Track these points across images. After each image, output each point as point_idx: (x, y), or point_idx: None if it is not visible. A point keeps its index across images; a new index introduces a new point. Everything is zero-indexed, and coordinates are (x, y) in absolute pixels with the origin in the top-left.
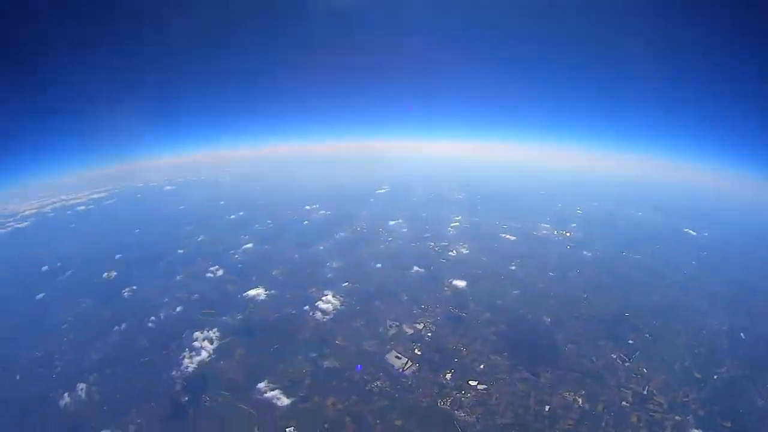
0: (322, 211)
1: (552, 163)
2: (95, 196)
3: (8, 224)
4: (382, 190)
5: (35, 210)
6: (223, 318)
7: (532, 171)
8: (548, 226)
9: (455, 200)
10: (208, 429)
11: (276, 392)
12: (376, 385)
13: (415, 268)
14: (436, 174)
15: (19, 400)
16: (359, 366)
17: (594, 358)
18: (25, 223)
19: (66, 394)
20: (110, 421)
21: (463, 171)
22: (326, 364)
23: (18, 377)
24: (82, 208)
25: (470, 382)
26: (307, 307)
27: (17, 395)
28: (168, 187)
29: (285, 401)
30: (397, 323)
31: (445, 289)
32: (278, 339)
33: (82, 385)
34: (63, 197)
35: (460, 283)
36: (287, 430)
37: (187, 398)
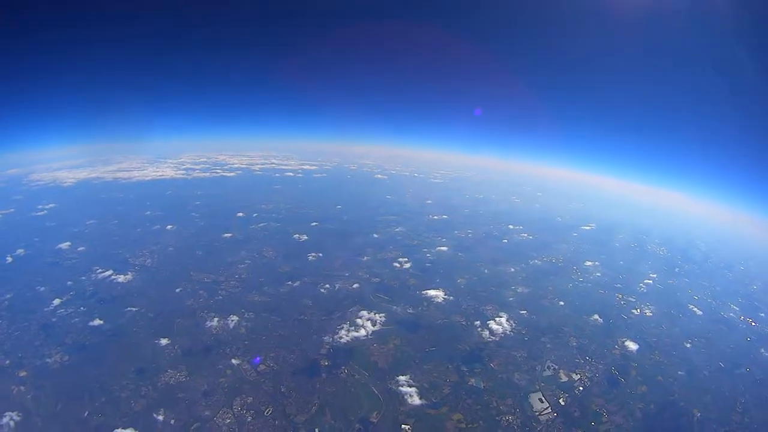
0: (523, 234)
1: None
2: (306, 167)
3: (215, 170)
4: (587, 227)
5: (244, 165)
6: (394, 307)
7: (735, 238)
8: (737, 308)
9: (657, 255)
10: (332, 396)
11: (412, 390)
12: (507, 420)
13: (595, 316)
14: (644, 220)
15: (175, 310)
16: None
17: None
18: (232, 174)
19: (216, 319)
20: (242, 353)
21: (670, 223)
22: (471, 381)
23: (178, 290)
24: (291, 174)
25: None
26: (477, 323)
27: (176, 306)
28: (379, 176)
29: (416, 401)
30: (556, 366)
31: (615, 347)
32: (437, 342)
33: (234, 317)
34: (275, 161)
35: (632, 346)
36: (403, 426)
37: (327, 363)
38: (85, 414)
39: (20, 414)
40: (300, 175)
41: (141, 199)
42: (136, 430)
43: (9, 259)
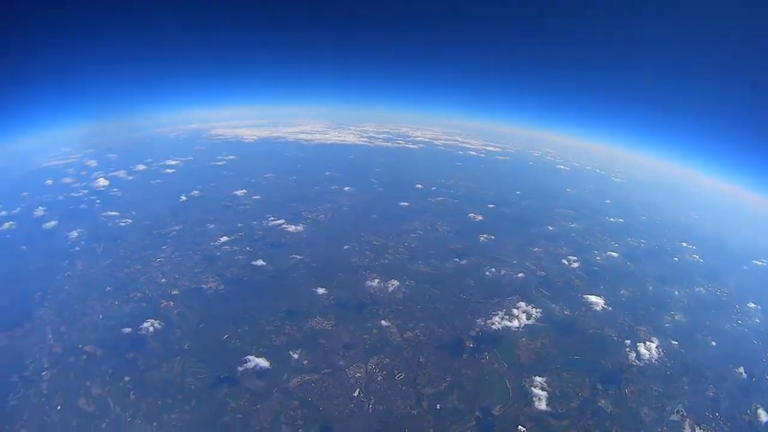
0: (695, 255)
1: None
2: (490, 148)
3: (397, 141)
4: (760, 263)
5: (427, 139)
6: (552, 305)
7: None
8: None
9: None
10: (465, 378)
11: (543, 393)
12: None
13: (740, 368)
14: None
15: (339, 264)
16: None
17: None
18: (414, 146)
19: (376, 280)
20: (393, 316)
21: None
22: (601, 402)
23: (346, 247)
24: (473, 153)
25: None
26: (628, 342)
27: (340, 261)
28: (561, 167)
29: (542, 406)
30: (684, 413)
31: (747, 412)
32: (583, 352)
33: (394, 282)
34: (458, 138)
35: (763, 417)
36: (520, 428)
37: (471, 345)
38: (225, 337)
39: (162, 323)
40: (483, 155)
41: (321, 160)
42: (268, 360)
43: (183, 198)
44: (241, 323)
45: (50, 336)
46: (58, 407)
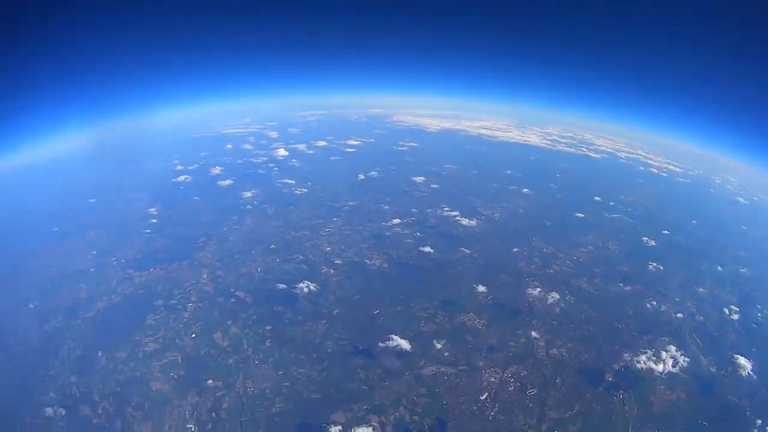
0: None
1: None
2: (671, 167)
3: (580, 148)
4: None
5: (609, 149)
6: (702, 357)
7: None
8: None
9: None
10: (592, 411)
11: None
12: None
13: None
14: None
15: (504, 266)
16: None
17: None
18: (596, 155)
19: (538, 289)
20: (545, 330)
21: None
22: None
23: (515, 250)
24: (654, 171)
25: None
26: (759, 422)
27: (506, 263)
28: (740, 199)
29: None
30: None
31: None
32: (713, 419)
33: (555, 295)
34: (641, 153)
35: None
36: None
37: (610, 379)
38: (375, 312)
39: (318, 287)
40: (664, 174)
41: (503, 158)
42: (411, 342)
43: (361, 177)
44: (395, 303)
45: (205, 276)
46: (193, 335)
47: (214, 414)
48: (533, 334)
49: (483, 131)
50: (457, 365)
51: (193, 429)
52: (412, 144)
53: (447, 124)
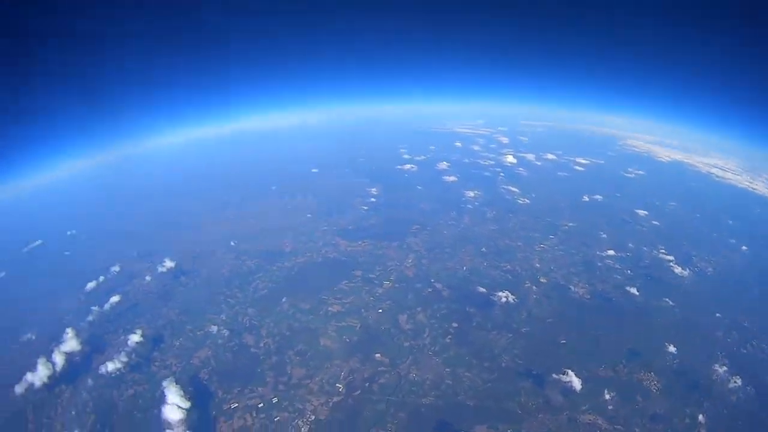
0: None
1: None
2: None
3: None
4: None
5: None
6: None
7: None
8: None
9: None
10: None
11: None
12: None
13: None
14: None
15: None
16: None
17: None
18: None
19: (724, 368)
20: None
21: None
22: None
23: (717, 315)
24: None
25: None
26: None
27: (708, 331)
28: None
29: None
30: None
31: None
32: None
33: (738, 380)
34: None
35: None
36: None
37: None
38: (562, 340)
39: (516, 300)
40: None
41: (728, 204)
42: (583, 383)
43: (585, 198)
44: (584, 337)
45: (410, 261)
46: (380, 310)
47: (367, 384)
48: (700, 418)
49: (713, 170)
50: (615, 423)
51: (341, 389)
52: (639, 172)
53: (678, 156)
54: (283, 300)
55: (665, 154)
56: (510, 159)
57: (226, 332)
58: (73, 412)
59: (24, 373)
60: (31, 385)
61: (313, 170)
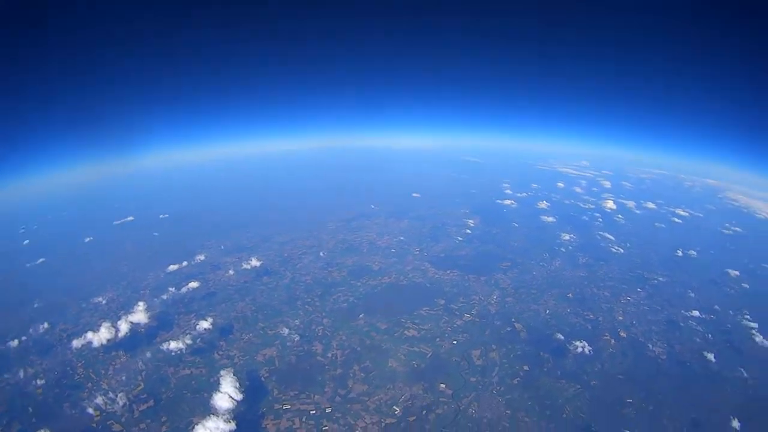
0: None
1: None
2: None
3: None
4: None
5: None
6: None
7: None
8: None
9: None
10: None
11: None
12: None
13: None
14: None
15: None
16: None
17: None
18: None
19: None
20: None
21: None
22: None
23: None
24: None
25: None
26: None
27: None
28: None
29: None
30: None
31: None
32: None
33: None
34: None
35: None
36: None
37: None
38: (629, 400)
39: (591, 352)
40: None
41: None
42: None
43: (679, 253)
44: (650, 401)
45: (495, 297)
46: (454, 341)
47: (424, 412)
48: None
49: None
50: None
51: (397, 411)
52: (737, 229)
53: None
54: (361, 316)
55: (766, 210)
56: (610, 204)
57: (296, 337)
58: (124, 377)
59: (86, 332)
60: (89, 342)
61: (414, 195)
